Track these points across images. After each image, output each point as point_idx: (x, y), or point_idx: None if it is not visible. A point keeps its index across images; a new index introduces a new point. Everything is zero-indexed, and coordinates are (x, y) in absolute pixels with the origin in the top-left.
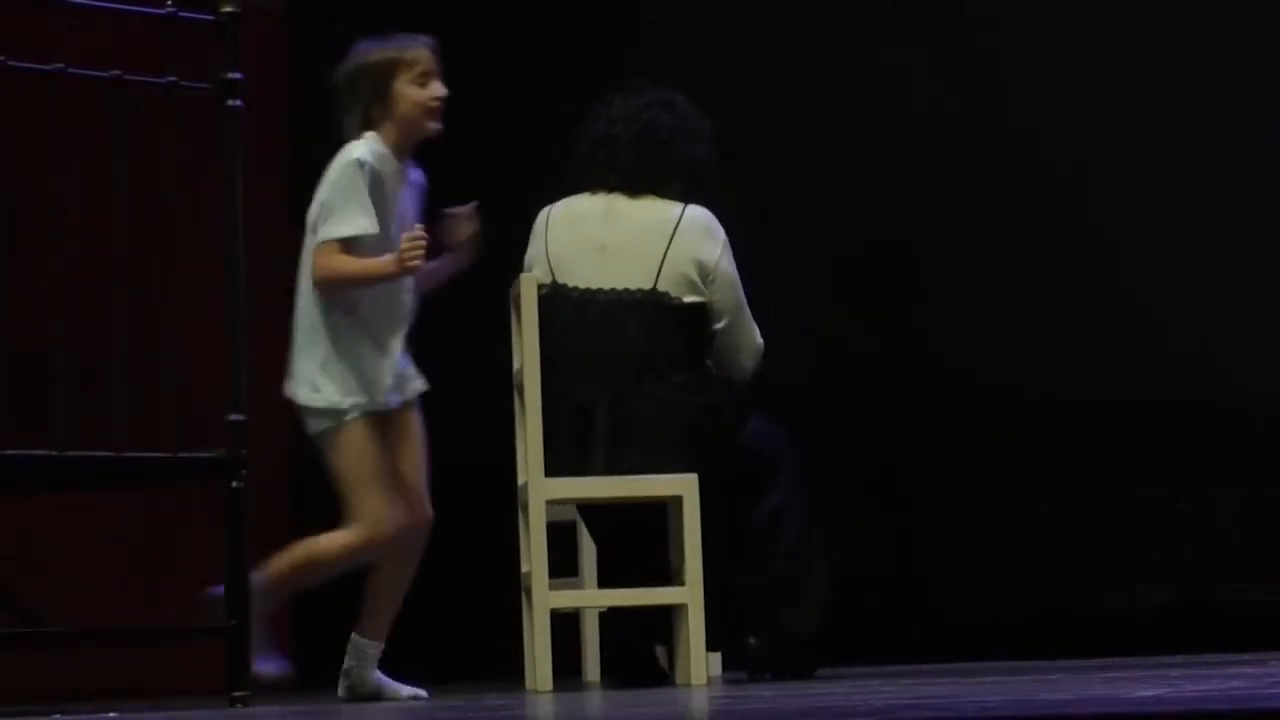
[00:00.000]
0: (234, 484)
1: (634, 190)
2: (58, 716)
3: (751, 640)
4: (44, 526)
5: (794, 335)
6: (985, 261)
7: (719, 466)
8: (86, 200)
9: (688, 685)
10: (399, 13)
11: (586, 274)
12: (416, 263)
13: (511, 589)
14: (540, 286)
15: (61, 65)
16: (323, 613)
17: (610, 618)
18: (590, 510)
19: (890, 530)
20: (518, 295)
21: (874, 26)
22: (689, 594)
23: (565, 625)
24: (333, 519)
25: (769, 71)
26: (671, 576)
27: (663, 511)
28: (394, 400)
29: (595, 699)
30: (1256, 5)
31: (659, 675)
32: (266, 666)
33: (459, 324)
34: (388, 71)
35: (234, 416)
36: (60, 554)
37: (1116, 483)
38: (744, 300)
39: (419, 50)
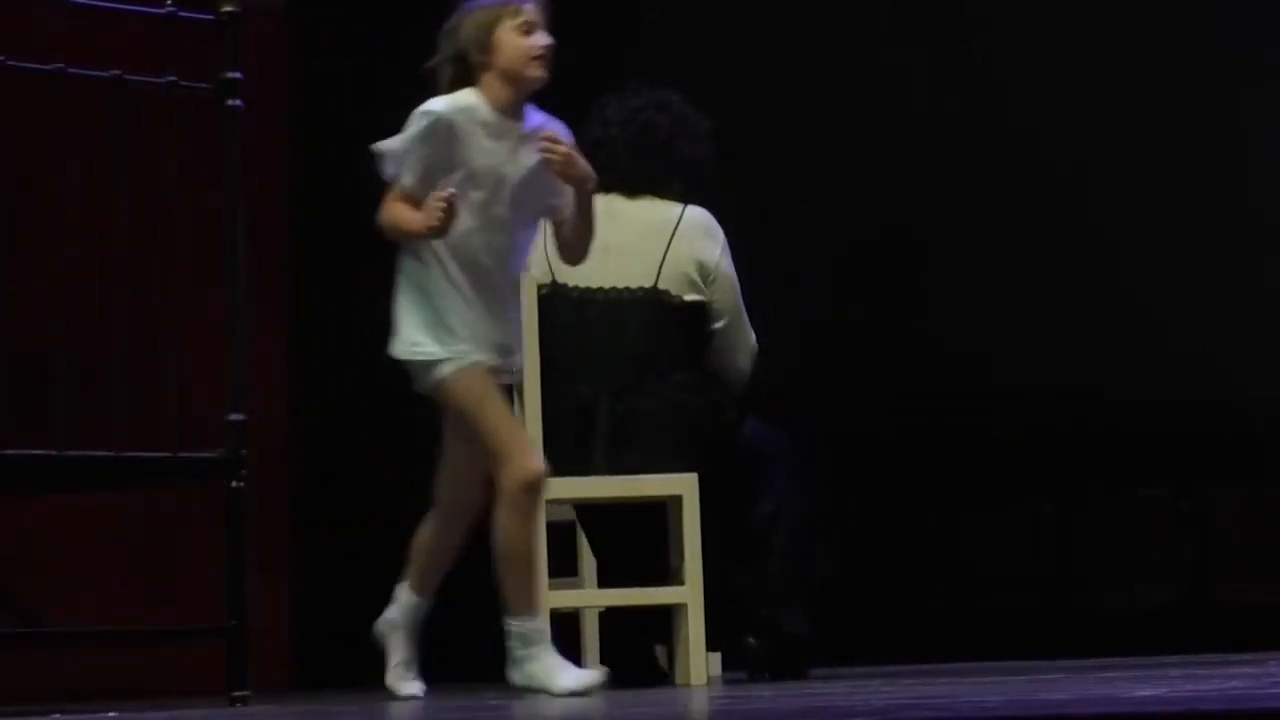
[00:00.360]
0: (234, 484)
1: (632, 191)
2: (57, 716)
3: (751, 640)
4: (44, 526)
5: (794, 335)
6: (985, 261)
7: (719, 466)
8: (86, 200)
9: (688, 685)
10: (398, 13)
11: (586, 273)
12: (435, 224)
13: None
14: (540, 286)
15: (61, 65)
16: (322, 613)
17: (610, 618)
18: (588, 510)
19: (890, 530)
20: None
21: (874, 26)
22: (689, 594)
23: (565, 625)
24: (332, 519)
25: (769, 71)
26: (670, 577)
27: (661, 512)
28: (493, 362)
29: (595, 699)
30: (1256, 5)
31: (659, 675)
32: (414, 686)
33: None
34: (491, 20)
35: (234, 416)
36: (60, 554)
37: (1117, 483)
38: (742, 301)
39: (524, 3)
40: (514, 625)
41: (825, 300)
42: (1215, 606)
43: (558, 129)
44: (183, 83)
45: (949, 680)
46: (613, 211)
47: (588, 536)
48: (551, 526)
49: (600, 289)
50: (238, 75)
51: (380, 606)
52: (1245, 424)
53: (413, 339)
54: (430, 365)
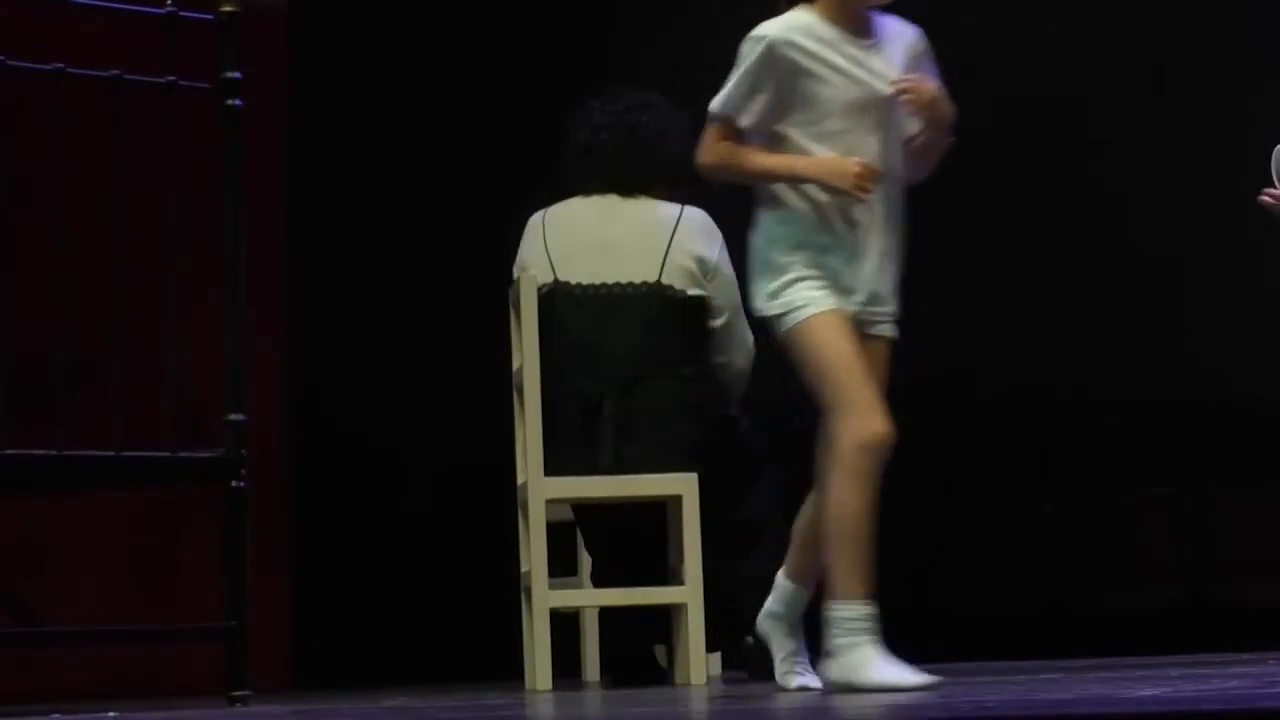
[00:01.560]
0: (234, 484)
1: (627, 191)
2: (57, 716)
3: (750, 640)
4: (44, 526)
5: None
6: (986, 260)
7: (719, 462)
8: (87, 200)
9: (687, 685)
10: (398, 13)
11: (589, 270)
12: (863, 195)
13: (511, 589)
14: (540, 286)
15: (61, 65)
16: (322, 613)
17: (609, 617)
18: (584, 509)
19: (890, 530)
20: (517, 295)
21: None
22: (689, 594)
23: (565, 625)
24: (333, 519)
25: None
26: (670, 576)
27: (657, 512)
28: (860, 310)
29: (595, 699)
30: (1256, 5)
31: (659, 675)
32: (807, 678)
33: (459, 324)
34: None
35: (234, 416)
36: (60, 554)
37: (1118, 482)
38: (740, 300)
39: None
40: (837, 610)
41: None
42: (1215, 606)
43: (914, 37)
44: (183, 83)
45: (949, 680)
46: (610, 210)
47: (583, 534)
48: (551, 526)
49: (604, 284)
50: (238, 75)
51: (380, 606)
52: (1246, 424)
53: (766, 284)
54: (781, 315)
